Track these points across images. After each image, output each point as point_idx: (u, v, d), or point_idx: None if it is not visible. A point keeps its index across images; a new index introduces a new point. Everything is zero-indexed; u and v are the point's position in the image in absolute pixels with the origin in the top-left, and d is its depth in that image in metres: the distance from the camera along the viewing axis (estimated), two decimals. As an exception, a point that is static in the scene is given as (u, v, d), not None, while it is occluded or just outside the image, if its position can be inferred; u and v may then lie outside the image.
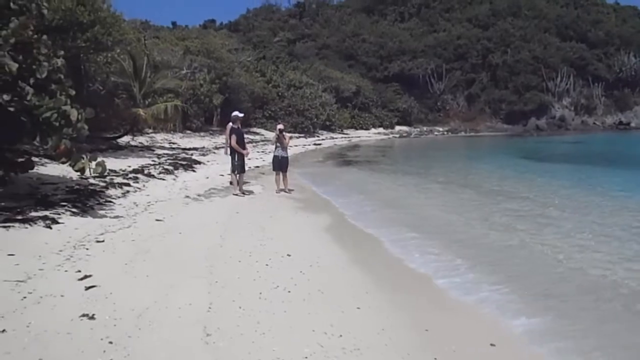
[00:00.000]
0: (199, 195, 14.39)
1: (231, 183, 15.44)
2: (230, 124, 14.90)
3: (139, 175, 15.96)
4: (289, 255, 8.97)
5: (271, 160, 16.67)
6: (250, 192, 15.33)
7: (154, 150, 24.39)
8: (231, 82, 41.70)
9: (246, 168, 16.02)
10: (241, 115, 15.23)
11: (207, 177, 17.89)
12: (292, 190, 15.95)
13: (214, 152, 26.44)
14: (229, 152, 14.94)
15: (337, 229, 11.38)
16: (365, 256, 9.35)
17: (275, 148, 15.98)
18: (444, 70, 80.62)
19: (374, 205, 14.42)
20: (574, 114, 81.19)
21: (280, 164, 15.83)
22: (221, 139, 31.93)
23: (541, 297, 7.63)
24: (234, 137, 14.74)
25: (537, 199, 15.69)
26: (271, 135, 34.36)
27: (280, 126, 16.06)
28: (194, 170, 19.31)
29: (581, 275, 8.59)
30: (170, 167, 18.72)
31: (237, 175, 14.84)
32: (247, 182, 16.56)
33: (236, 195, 14.56)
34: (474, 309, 7.22)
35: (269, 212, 12.73)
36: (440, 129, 73.37)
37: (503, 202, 14.99)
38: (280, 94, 52.04)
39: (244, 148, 14.97)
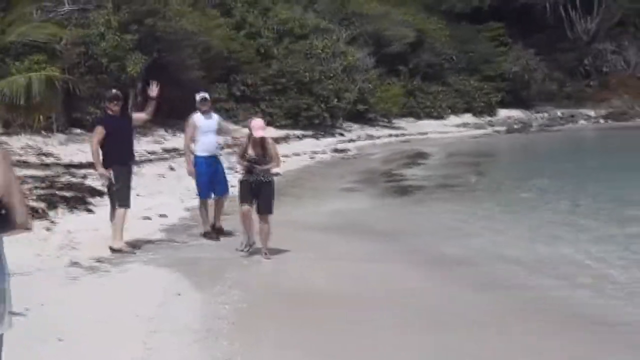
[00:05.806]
0: (98, 259, 8.55)
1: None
2: (196, 115, 9.93)
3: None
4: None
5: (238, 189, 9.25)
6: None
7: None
8: (163, 29, 23.68)
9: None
10: (206, 96, 10.32)
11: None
12: (268, 257, 8.64)
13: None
14: (191, 164, 10.01)
15: None
16: None
17: (244, 169, 8.81)
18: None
19: None
20: None
21: (255, 194, 8.61)
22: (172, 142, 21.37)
23: None
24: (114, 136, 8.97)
25: None
26: (242, 134, 16.42)
27: (256, 122, 8.76)
28: (89, 210, 12.04)
29: None
30: (41, 205, 11.58)
31: (123, 211, 9.08)
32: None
33: (119, 250, 8.91)
34: None
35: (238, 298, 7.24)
36: (592, 114, 44.05)
37: None
38: (263, 50, 30.99)
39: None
